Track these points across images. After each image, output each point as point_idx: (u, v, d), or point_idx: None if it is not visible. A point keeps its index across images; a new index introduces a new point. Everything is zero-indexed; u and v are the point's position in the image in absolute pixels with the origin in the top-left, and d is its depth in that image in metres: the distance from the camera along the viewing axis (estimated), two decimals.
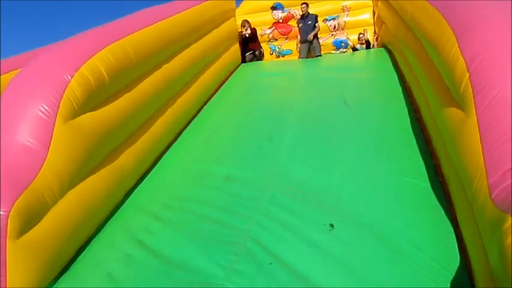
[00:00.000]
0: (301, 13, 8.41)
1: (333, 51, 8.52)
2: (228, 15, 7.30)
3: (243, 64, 7.99)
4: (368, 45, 8.25)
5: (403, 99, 4.72)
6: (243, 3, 9.51)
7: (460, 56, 2.61)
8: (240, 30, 8.43)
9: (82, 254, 2.97)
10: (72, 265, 2.86)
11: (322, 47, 8.46)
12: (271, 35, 9.06)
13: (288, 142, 4.14)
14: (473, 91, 2.35)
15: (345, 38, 8.55)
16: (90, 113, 3.23)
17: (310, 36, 8.26)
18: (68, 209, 2.80)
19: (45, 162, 2.72)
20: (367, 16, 8.58)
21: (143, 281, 2.64)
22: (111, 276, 2.70)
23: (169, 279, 2.59)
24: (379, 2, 7.54)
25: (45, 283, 2.60)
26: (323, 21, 8.69)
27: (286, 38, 9.03)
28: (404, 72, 5.27)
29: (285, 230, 2.81)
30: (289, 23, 9.00)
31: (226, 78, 6.96)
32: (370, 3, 8.56)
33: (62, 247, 2.74)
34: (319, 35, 8.47)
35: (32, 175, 2.61)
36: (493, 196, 1.84)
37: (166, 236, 3.03)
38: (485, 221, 1.91)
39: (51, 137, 2.83)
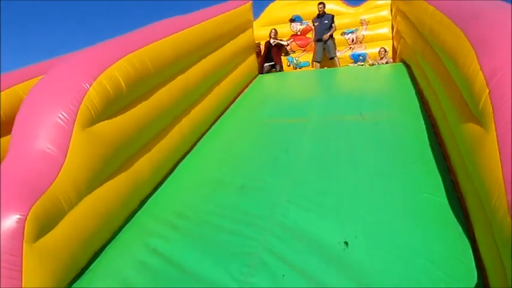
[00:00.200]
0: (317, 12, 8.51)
1: (351, 64, 8.50)
2: (246, 26, 7.40)
3: (260, 75, 8.06)
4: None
5: (420, 113, 4.69)
6: (262, 15, 9.57)
7: (480, 71, 2.59)
8: (258, 42, 8.54)
9: (97, 260, 2.99)
10: (87, 271, 2.88)
11: (340, 60, 8.47)
12: (289, 47, 9.09)
13: (304, 154, 4.14)
14: (493, 107, 2.32)
15: (363, 51, 8.53)
16: (107, 120, 3.28)
17: (326, 36, 8.29)
18: (83, 215, 2.84)
19: (62, 168, 2.76)
20: (385, 30, 8.53)
21: None
22: (125, 283, 2.72)
23: None
24: (398, 16, 7.53)
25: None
26: (341, 34, 8.69)
27: (304, 50, 9.04)
28: (422, 86, 5.24)
29: (300, 242, 2.80)
30: (307, 36, 9.02)
31: (244, 89, 7.02)
32: (389, 17, 8.53)
33: (77, 252, 2.76)
34: (337, 47, 8.48)
35: (49, 180, 2.65)
36: None
37: (181, 245, 3.04)
38: (503, 237, 1.88)
39: (69, 143, 2.88)
